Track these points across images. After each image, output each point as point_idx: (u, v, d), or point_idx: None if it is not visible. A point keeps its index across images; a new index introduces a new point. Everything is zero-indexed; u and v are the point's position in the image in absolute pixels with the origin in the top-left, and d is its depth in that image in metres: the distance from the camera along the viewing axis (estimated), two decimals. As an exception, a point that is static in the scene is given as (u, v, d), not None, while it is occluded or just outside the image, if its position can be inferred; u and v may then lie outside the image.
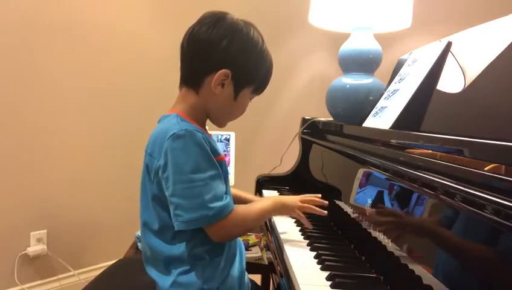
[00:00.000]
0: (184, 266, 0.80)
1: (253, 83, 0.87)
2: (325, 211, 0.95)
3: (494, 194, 0.49)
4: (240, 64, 0.83)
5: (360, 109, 1.30)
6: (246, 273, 0.92)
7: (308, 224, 0.95)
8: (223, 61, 0.81)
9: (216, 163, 0.80)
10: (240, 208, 0.84)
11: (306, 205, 0.95)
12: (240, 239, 0.94)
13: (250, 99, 0.91)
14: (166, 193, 0.77)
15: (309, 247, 0.90)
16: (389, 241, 0.74)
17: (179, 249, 0.80)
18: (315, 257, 0.84)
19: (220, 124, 0.92)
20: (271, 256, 0.96)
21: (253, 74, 0.86)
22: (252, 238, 1.57)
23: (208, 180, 0.77)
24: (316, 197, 0.99)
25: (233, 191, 1.06)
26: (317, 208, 0.95)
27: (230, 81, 0.83)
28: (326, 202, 0.97)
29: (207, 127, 0.91)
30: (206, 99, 0.84)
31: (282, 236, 0.97)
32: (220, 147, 1.70)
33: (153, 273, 0.84)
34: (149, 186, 0.83)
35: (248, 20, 0.88)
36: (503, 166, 0.51)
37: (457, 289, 0.54)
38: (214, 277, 0.81)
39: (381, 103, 1.12)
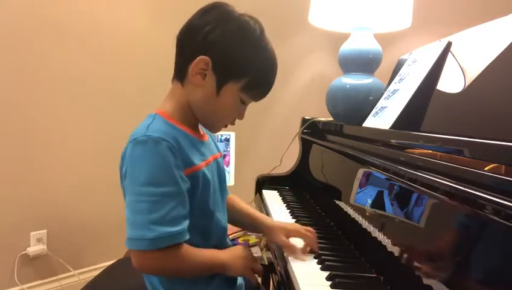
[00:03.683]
0: (167, 285, 0.76)
1: (241, 77, 0.75)
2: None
3: (494, 194, 0.49)
4: (222, 52, 0.73)
5: (360, 109, 1.30)
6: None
7: (255, 280, 0.85)
8: (203, 48, 0.73)
9: (177, 180, 0.69)
10: (189, 249, 0.71)
11: (258, 266, 0.83)
12: (229, 242, 0.90)
13: (244, 102, 0.79)
14: None
15: (309, 247, 0.90)
16: (389, 241, 0.74)
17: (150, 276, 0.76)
18: (315, 257, 0.84)
19: (209, 126, 0.83)
20: (271, 256, 0.96)
21: (241, 66, 0.75)
22: (252, 238, 1.57)
23: (160, 197, 0.66)
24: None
25: (247, 209, 0.97)
26: (257, 275, 0.85)
27: (212, 71, 0.74)
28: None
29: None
30: (189, 92, 0.76)
31: (282, 236, 0.97)
32: (220, 147, 1.70)
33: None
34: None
35: None
36: (503, 166, 0.51)
37: (457, 289, 0.54)
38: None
39: (381, 103, 1.12)
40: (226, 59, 0.74)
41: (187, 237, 0.70)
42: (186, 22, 0.78)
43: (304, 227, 0.91)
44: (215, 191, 0.81)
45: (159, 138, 0.68)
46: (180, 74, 0.77)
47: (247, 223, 0.98)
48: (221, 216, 0.85)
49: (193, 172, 0.73)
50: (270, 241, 0.94)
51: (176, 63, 0.79)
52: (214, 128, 0.84)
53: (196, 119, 0.80)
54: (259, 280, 0.86)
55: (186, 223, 0.70)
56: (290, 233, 0.90)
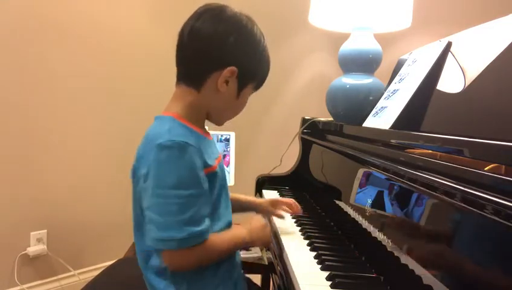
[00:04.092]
0: (169, 281, 0.77)
1: (255, 80, 0.85)
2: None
3: (494, 194, 0.49)
4: (245, 61, 0.80)
5: (360, 109, 1.30)
6: (242, 271, 0.91)
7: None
8: (229, 59, 0.78)
9: (201, 182, 0.73)
10: (213, 238, 0.76)
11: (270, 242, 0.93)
12: None
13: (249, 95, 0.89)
14: (144, 205, 0.74)
15: (309, 247, 0.90)
16: (389, 241, 0.74)
17: (157, 261, 0.76)
18: (315, 257, 0.84)
19: (220, 122, 0.88)
20: (271, 256, 0.96)
21: (257, 71, 0.84)
22: (252, 238, 1.57)
23: (188, 198, 0.71)
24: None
25: (233, 195, 1.01)
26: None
27: (235, 78, 0.80)
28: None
29: (206, 127, 0.90)
30: (208, 97, 0.80)
31: (282, 236, 0.97)
32: (220, 147, 1.70)
33: (145, 282, 0.82)
34: (133, 189, 0.80)
35: None
36: (503, 166, 0.51)
37: (457, 289, 0.54)
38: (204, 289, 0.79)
39: (381, 103, 1.12)
40: (248, 66, 0.81)
41: (209, 233, 0.75)
42: (190, 27, 0.78)
43: (284, 199, 1.12)
44: (222, 188, 0.84)
45: (184, 142, 0.71)
46: (196, 80, 0.79)
47: (237, 207, 1.03)
48: (227, 213, 0.88)
49: (210, 172, 0.77)
50: (262, 214, 1.07)
51: (188, 70, 0.81)
52: (222, 123, 0.89)
53: (205, 119, 0.85)
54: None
55: (208, 221, 0.75)
56: (276, 204, 1.10)
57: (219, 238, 0.78)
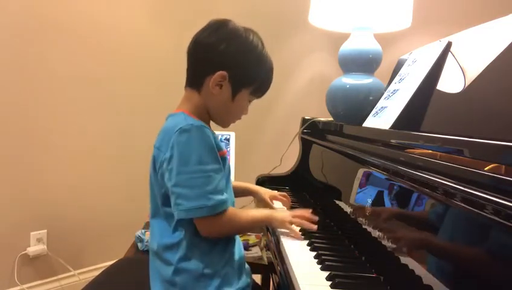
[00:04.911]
0: (183, 253, 0.83)
1: (251, 85, 0.91)
2: (315, 226, 0.95)
3: (494, 194, 0.49)
4: (237, 67, 0.87)
5: (360, 109, 1.30)
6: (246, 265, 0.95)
7: (299, 237, 0.94)
8: (221, 63, 0.86)
9: (219, 158, 0.84)
10: (234, 210, 0.87)
11: (297, 220, 0.96)
12: None
13: (250, 101, 0.95)
14: (169, 184, 0.81)
15: (309, 247, 0.90)
16: (389, 241, 0.74)
17: (179, 236, 0.84)
18: (315, 257, 0.84)
19: (222, 123, 0.96)
20: (271, 256, 0.96)
21: (251, 76, 0.90)
22: (252, 238, 1.57)
23: (211, 172, 0.81)
24: (307, 212, 0.99)
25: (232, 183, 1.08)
26: (307, 223, 0.96)
27: (228, 82, 0.87)
28: (317, 218, 0.98)
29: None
30: (207, 99, 0.90)
31: (282, 236, 0.97)
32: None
33: (156, 263, 0.87)
34: (154, 178, 0.88)
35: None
36: (503, 166, 0.51)
37: (457, 289, 0.54)
38: (213, 262, 0.84)
39: (381, 103, 1.12)
40: (239, 72, 0.88)
41: (229, 204, 0.86)
42: (195, 37, 0.90)
43: (280, 193, 1.23)
44: (228, 174, 0.92)
45: (200, 125, 0.82)
46: (197, 83, 0.90)
47: (236, 193, 1.09)
48: (231, 197, 0.95)
49: (223, 155, 0.87)
50: (259, 200, 1.19)
51: (192, 74, 0.91)
52: (226, 125, 0.97)
53: (210, 119, 0.94)
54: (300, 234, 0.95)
55: (226, 193, 0.85)
56: (274, 198, 1.21)
57: (242, 210, 0.91)
